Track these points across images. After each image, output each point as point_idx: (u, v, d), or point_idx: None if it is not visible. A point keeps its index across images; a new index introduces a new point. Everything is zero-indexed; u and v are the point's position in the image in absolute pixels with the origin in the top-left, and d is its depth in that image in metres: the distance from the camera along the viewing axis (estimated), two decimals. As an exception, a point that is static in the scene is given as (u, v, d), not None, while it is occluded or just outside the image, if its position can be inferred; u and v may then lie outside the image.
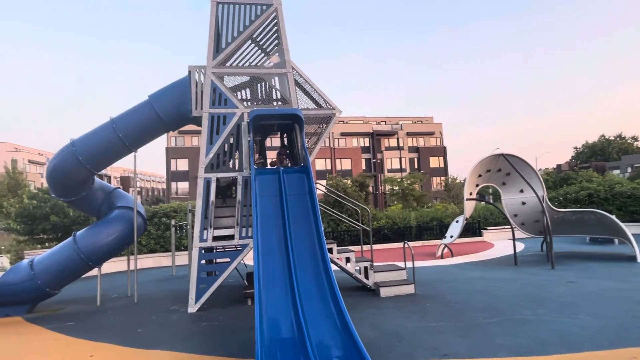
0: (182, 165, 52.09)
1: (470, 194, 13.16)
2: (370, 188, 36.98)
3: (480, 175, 13.31)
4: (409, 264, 9.55)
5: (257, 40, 10.19)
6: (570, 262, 11.69)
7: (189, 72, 9.45)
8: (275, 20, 9.76)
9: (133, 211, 9.66)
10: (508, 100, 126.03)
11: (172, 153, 51.23)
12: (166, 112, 9.28)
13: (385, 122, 58.94)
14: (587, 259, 12.05)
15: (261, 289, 5.54)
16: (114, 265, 13.68)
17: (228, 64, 9.71)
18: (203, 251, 8.48)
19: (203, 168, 8.72)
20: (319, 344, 4.83)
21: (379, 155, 55.17)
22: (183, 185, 51.88)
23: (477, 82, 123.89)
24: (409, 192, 31.30)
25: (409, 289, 8.88)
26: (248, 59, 10.49)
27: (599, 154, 63.75)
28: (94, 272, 9.66)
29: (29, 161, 61.04)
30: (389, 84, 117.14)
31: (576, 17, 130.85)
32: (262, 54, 10.62)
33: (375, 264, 9.46)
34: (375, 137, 55.71)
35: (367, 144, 56.36)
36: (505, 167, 13.03)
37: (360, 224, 9.88)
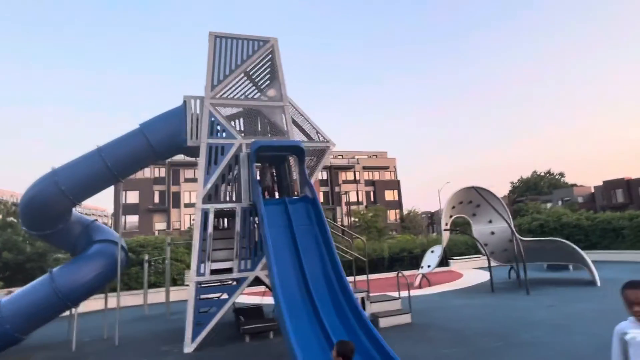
0: (132, 197, 49.35)
1: (446, 224, 13.84)
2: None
3: (454, 207, 14.09)
4: (400, 294, 9.76)
5: (250, 73, 10.38)
6: (539, 287, 12.52)
7: (184, 102, 9.34)
8: (271, 56, 10.05)
9: (114, 245, 9.06)
10: (454, 137, 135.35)
11: (122, 184, 48.36)
12: (158, 141, 9.02)
13: (342, 155, 60.45)
14: (553, 285, 12.98)
15: (289, 322, 5.36)
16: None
17: (223, 95, 9.73)
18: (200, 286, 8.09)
19: (201, 199, 8.47)
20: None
21: (336, 189, 56.13)
22: (132, 219, 48.88)
23: (424, 122, 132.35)
24: (371, 224, 31.99)
25: (406, 318, 9.03)
26: (241, 91, 10.59)
27: (532, 188, 69.90)
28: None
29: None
30: (344, 119, 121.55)
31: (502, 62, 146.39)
32: (254, 87, 10.80)
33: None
34: (333, 170, 56.86)
35: (324, 177, 57.24)
36: (475, 199, 13.94)
37: (354, 254, 10.00)
